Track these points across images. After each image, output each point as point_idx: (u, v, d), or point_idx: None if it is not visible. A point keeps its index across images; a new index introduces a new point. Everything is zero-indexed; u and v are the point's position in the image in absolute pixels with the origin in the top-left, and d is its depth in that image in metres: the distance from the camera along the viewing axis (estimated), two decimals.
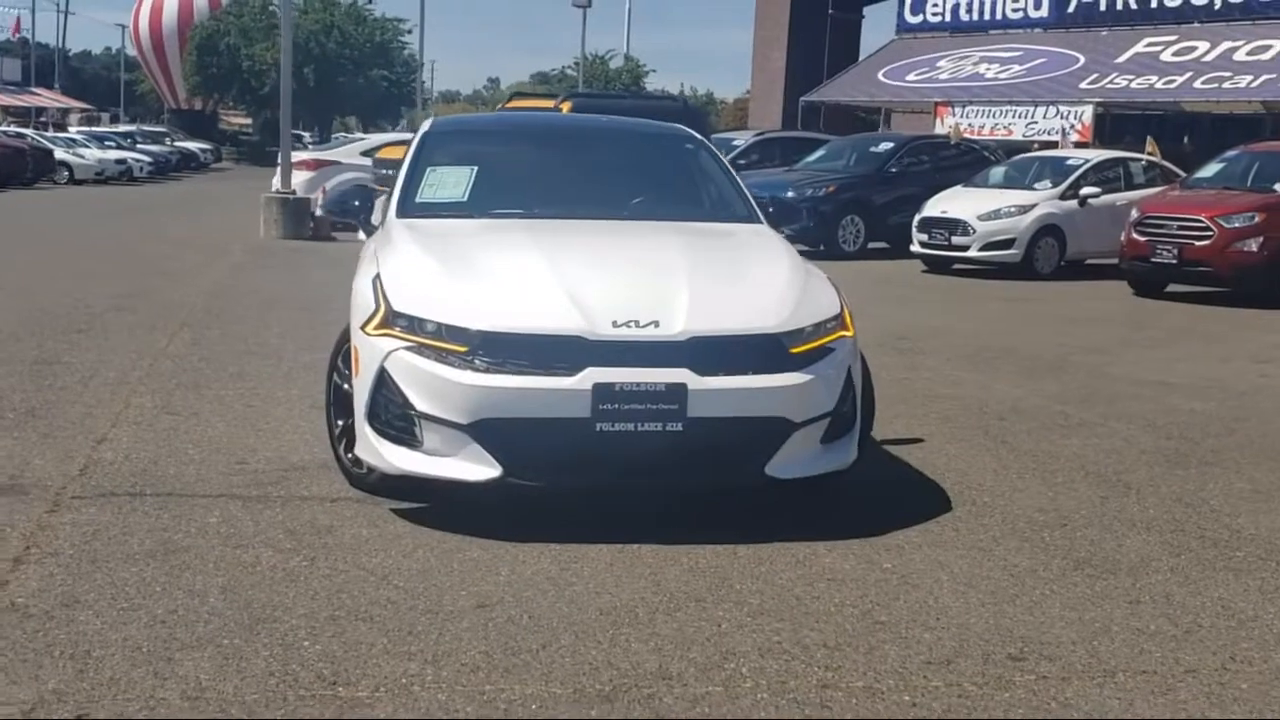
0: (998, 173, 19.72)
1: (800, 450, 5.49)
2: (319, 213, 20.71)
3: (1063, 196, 18.32)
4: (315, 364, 9.15)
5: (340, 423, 6.09)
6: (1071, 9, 25.65)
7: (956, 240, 18.01)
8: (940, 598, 4.78)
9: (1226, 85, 21.78)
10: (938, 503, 6.08)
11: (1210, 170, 17.19)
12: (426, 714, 3.70)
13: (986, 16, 26.98)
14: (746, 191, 7.09)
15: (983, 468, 6.80)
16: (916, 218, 18.55)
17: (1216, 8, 23.62)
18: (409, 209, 6.59)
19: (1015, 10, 26.53)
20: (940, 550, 5.35)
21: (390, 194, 6.81)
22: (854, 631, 4.42)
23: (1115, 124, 23.59)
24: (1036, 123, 23.06)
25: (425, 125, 7.36)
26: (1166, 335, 12.81)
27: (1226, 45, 22.72)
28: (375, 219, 7.04)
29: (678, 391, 5.22)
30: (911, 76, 26.31)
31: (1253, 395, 9.33)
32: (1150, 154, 19.71)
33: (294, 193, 20.52)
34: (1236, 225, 15.49)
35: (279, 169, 20.84)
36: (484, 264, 5.77)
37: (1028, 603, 4.76)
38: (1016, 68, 24.95)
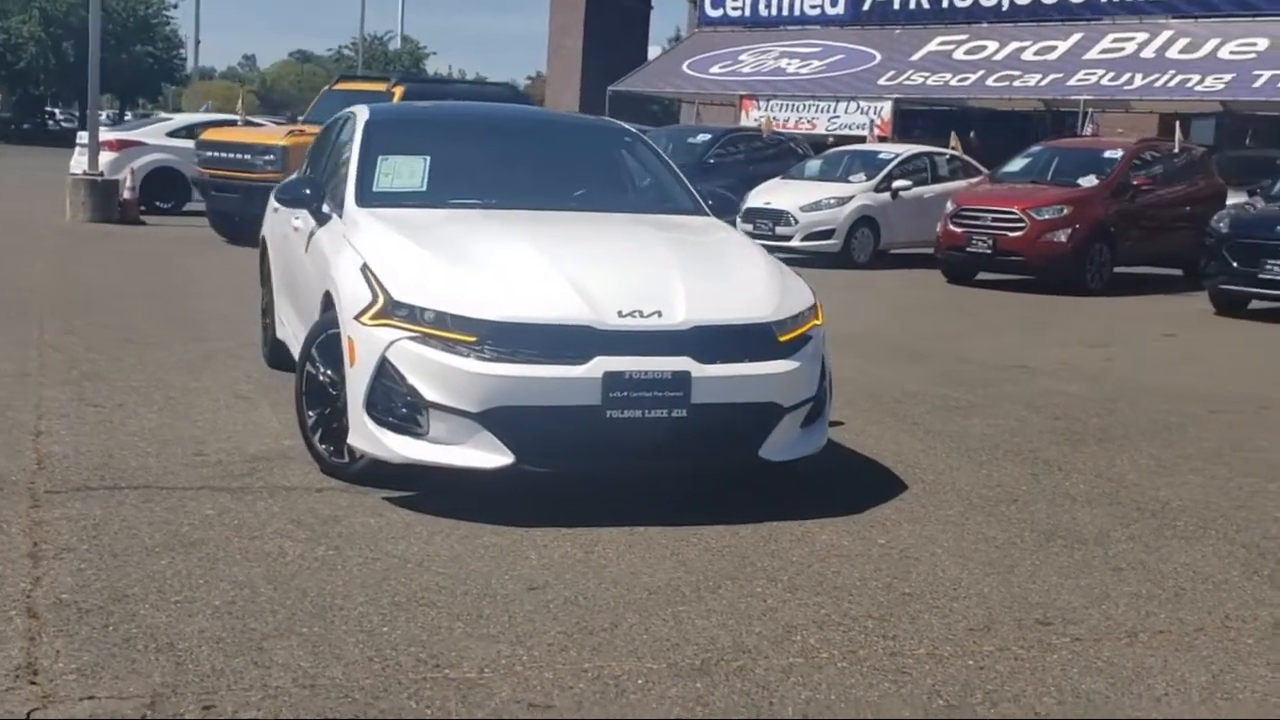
0: (813, 166, 20.42)
1: (788, 433, 5.78)
2: (126, 195, 20.07)
3: (877, 189, 19.10)
4: (211, 354, 9.06)
5: (314, 413, 6.10)
6: (867, 7, 26.64)
7: (780, 230, 18.59)
8: (947, 570, 5.12)
9: (1016, 84, 23.00)
10: (892, 482, 6.43)
11: (1017, 165, 18.20)
12: (544, 692, 3.84)
13: (785, 12, 27.77)
14: (688, 184, 7.33)
15: (911, 449, 7.19)
16: (741, 209, 19.07)
17: (1004, 9, 24.87)
18: (368, 198, 6.60)
19: (813, 7, 27.39)
20: (920, 526, 5.70)
21: (342, 182, 6.79)
22: (888, 603, 4.72)
23: (905, 119, 24.59)
24: (839, 117, 23.92)
25: (362, 113, 7.32)
26: (999, 322, 13.58)
27: (1015, 45, 23.97)
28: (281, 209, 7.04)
29: (683, 379, 5.43)
30: (715, 69, 26.91)
31: (1106, 378, 10.02)
32: (953, 148, 20.70)
33: (102, 174, 19.81)
34: (1047, 217, 16.46)
35: (86, 150, 20.06)
36: (476, 254, 5.86)
37: (1025, 572, 5.14)
38: (817, 63, 25.78)
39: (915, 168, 19.74)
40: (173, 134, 22.38)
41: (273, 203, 8.48)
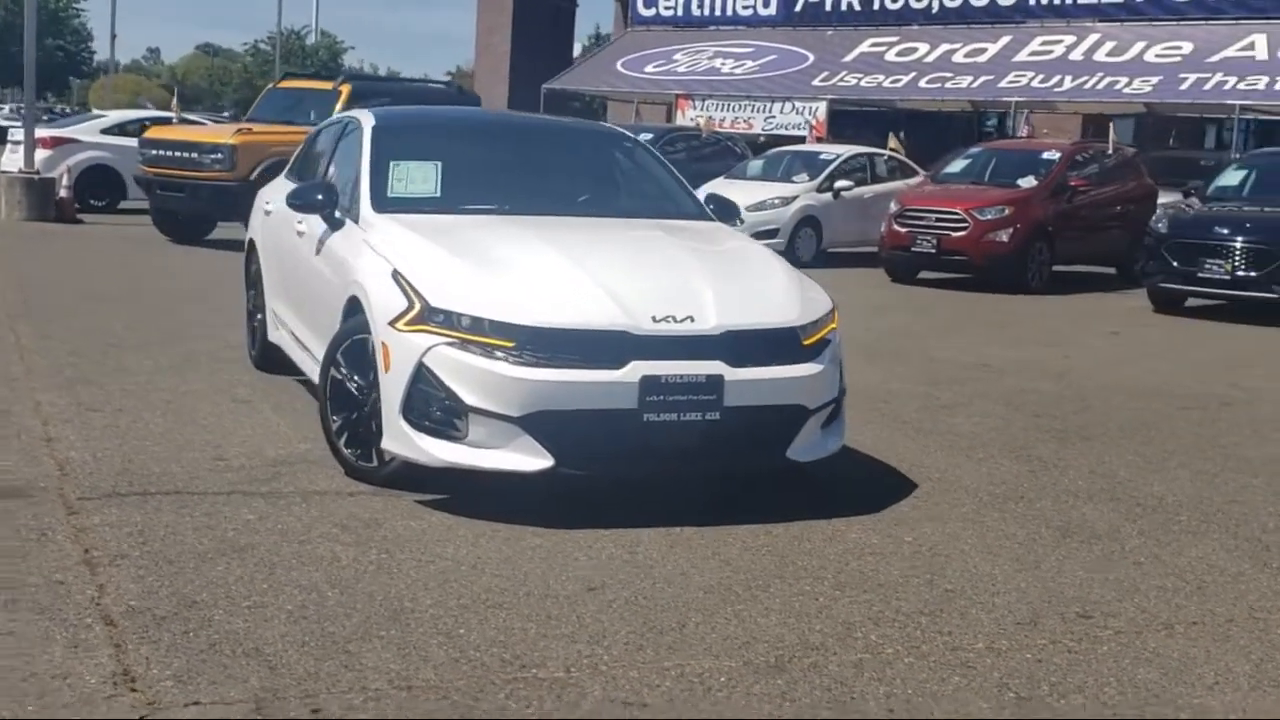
0: (755, 165, 20.64)
1: (811, 435, 5.94)
2: (63, 194, 19.80)
3: (819, 189, 19.37)
4: (193, 356, 9.04)
5: (339, 418, 6.16)
6: (799, 8, 26.92)
7: None
8: (978, 566, 5.31)
9: (949, 85, 23.40)
10: (900, 480, 6.62)
11: (958, 166, 18.55)
12: (634, 691, 3.95)
13: (717, 12, 27.98)
14: (690, 188, 7.47)
15: (909, 448, 7.39)
16: None
17: (934, 11, 25.28)
18: (384, 204, 6.65)
19: (745, 7, 27.61)
20: (941, 524, 5.88)
21: (354, 187, 6.83)
22: (935, 599, 4.89)
23: (836, 120, 24.89)
24: (775, 117, 24.17)
25: (367, 118, 7.36)
26: (954, 321, 13.87)
27: (945, 48, 24.38)
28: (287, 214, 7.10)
29: (716, 382, 5.57)
30: (650, 68, 27.05)
31: (1070, 376, 10.31)
32: (891, 149, 21.04)
33: (38, 173, 19.52)
34: (989, 217, 16.82)
35: (21, 148, 19.74)
36: (505, 259, 5.95)
37: (1051, 568, 5.34)
38: (750, 63, 26.02)
39: (855, 168, 20.04)
40: (107, 131, 22.09)
41: (264, 206, 8.51)
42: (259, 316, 8.60)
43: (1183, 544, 5.77)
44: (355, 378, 6.05)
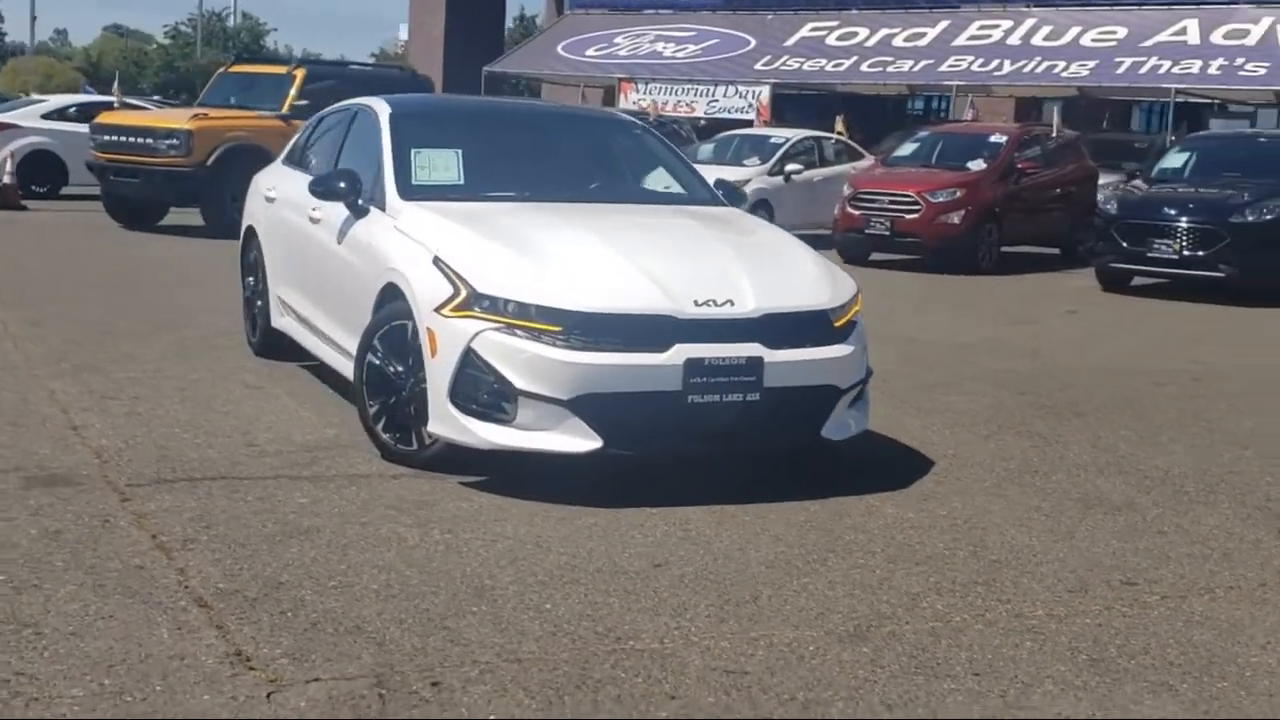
0: (706, 149, 20.81)
1: (842, 414, 6.14)
2: (6, 180, 19.53)
3: (770, 173, 19.60)
4: (186, 342, 9.07)
5: (376, 402, 6.25)
6: None
7: None
8: (1015, 538, 5.53)
9: (890, 70, 23.74)
10: (915, 457, 6.83)
11: (907, 149, 18.87)
12: (732, 659, 4.11)
13: None
14: (700, 174, 7.63)
15: (914, 425, 7.60)
16: None
17: None
18: (410, 191, 6.74)
19: None
20: (968, 498, 6.10)
21: (376, 175, 6.89)
22: (985, 569, 5.09)
23: (777, 103, 25.13)
24: (718, 101, 24.37)
25: (381, 106, 7.42)
26: (918, 301, 14.13)
27: (885, 32, 24.72)
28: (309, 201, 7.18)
29: (756, 364, 5.74)
30: (591, 52, 27.13)
31: (1043, 354, 10.62)
32: (839, 133, 21.31)
33: None
34: (941, 200, 17.14)
35: None
36: (543, 246, 6.06)
37: (1084, 538, 5.57)
38: (692, 47, 26.19)
39: (804, 151, 20.29)
40: (48, 116, 21.79)
41: (266, 192, 8.54)
42: (259, 303, 8.63)
43: (1197, 514, 6.03)
44: (393, 363, 6.15)
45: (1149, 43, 22.07)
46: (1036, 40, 23.05)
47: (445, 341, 5.74)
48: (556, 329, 5.61)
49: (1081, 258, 18.67)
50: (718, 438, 5.84)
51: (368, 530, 5.22)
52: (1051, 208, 18.72)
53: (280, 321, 8.25)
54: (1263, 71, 20.66)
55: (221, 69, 18.73)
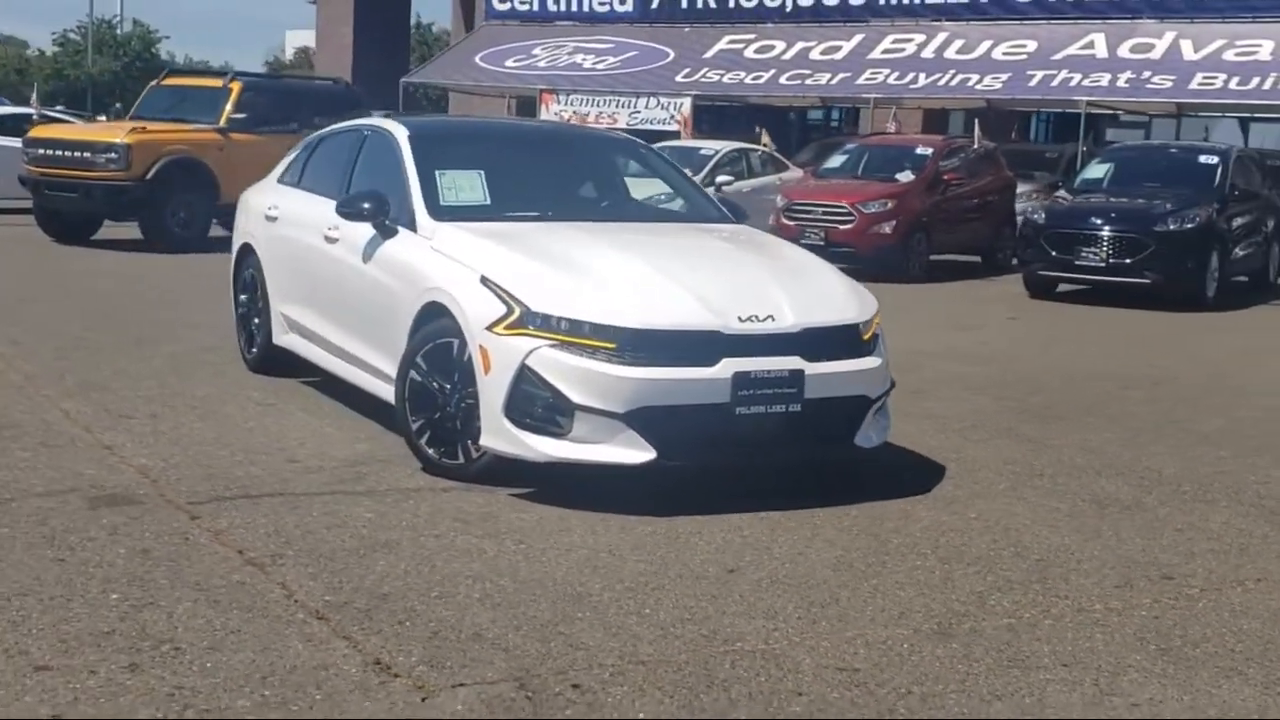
0: None
1: (871, 423, 6.44)
2: None
3: (702, 184, 19.88)
4: (176, 359, 9.15)
5: (419, 418, 6.41)
6: (655, 5, 27.43)
7: None
8: (1048, 538, 5.86)
9: (809, 82, 24.21)
10: (924, 462, 7.15)
11: (836, 161, 19.33)
12: (839, 657, 4.37)
13: (574, 8, 28.31)
14: (707, 192, 7.90)
15: (909, 431, 7.86)
16: None
17: (788, 10, 26.07)
18: (440, 212, 6.91)
19: (601, 4, 28.00)
20: (991, 501, 6.43)
21: (402, 197, 7.05)
22: (1034, 568, 5.41)
23: (694, 115, 25.45)
24: (640, 112, 24.66)
25: (397, 127, 7.56)
26: None
27: (801, 45, 25.19)
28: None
29: (798, 376, 6.02)
30: (510, 63, 27.26)
31: (1002, 360, 11.04)
32: (764, 145, 21.73)
33: None
34: (873, 210, 17.60)
35: None
36: (586, 264, 6.27)
37: (1110, 536, 5.92)
38: (612, 59, 26.45)
39: (732, 161, 20.64)
40: None
41: (266, 210, 8.63)
42: (256, 320, 8.72)
43: (1202, 512, 6.43)
44: (437, 380, 6.32)
45: (1058, 56, 22.82)
46: (949, 54, 23.69)
47: (499, 359, 5.94)
48: (611, 345, 5.83)
49: (1002, 265, 19.33)
50: (763, 447, 6.11)
51: (443, 542, 5.40)
52: (975, 217, 19.29)
53: (284, 339, 8.35)
54: (1169, 84, 21.49)
55: (154, 82, 18.58)
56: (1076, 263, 15.85)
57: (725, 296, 6.10)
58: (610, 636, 4.46)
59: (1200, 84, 21.31)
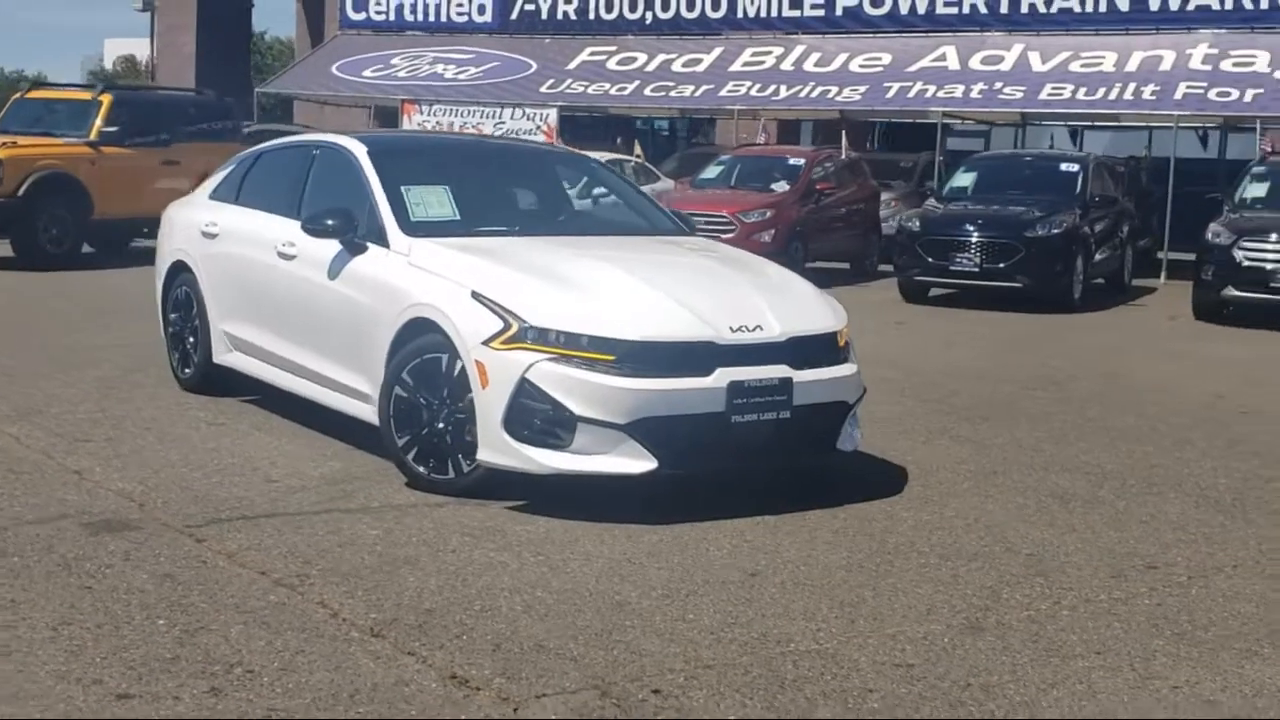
0: None
1: (848, 428, 6.66)
2: None
3: (579, 195, 19.98)
4: (107, 381, 8.98)
5: (406, 434, 6.43)
6: (514, 16, 27.44)
7: None
8: (1029, 533, 6.11)
9: (673, 94, 24.48)
10: (881, 464, 7.37)
11: (712, 172, 19.62)
12: (891, 655, 4.53)
13: (432, 18, 28.15)
14: (659, 204, 8.05)
15: (879, 433, 8.09)
16: None
17: (648, 23, 26.31)
18: (412, 228, 6.91)
19: (460, 14, 27.91)
20: (961, 499, 6.67)
21: (372, 212, 7.03)
22: (1028, 563, 5.65)
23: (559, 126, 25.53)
24: (505, 123, 24.63)
25: (355, 144, 7.52)
26: None
27: (662, 57, 25.44)
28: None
29: (787, 384, 6.21)
30: (369, 72, 26.97)
31: (906, 364, 11.35)
32: (637, 156, 21.95)
33: None
34: (753, 220, 17.92)
35: None
36: (576, 278, 6.35)
37: (1085, 530, 6.19)
38: (473, 69, 26.37)
39: None
40: None
41: (203, 227, 8.50)
42: (191, 340, 8.59)
43: (1155, 504, 6.78)
44: (424, 395, 6.35)
45: (913, 68, 23.47)
46: (808, 66, 24.19)
47: (497, 373, 5.99)
48: (609, 358, 5.94)
49: (869, 271, 19.88)
50: (755, 454, 6.28)
51: (461, 557, 5.44)
52: (845, 225, 19.77)
53: (227, 358, 8.25)
54: (1020, 95, 22.28)
55: (17, 94, 17.99)
56: (951, 268, 16.40)
57: (714, 308, 6.25)
58: (667, 642, 4.57)
59: (1050, 94, 22.12)
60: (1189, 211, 20.46)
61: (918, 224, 16.90)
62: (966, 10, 24.29)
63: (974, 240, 16.31)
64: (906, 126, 27.76)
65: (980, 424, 8.73)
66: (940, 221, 16.83)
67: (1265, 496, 7.01)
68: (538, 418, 5.97)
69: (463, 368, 6.17)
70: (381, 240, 6.90)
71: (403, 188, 7.14)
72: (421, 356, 6.36)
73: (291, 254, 7.44)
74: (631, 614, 4.83)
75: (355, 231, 6.97)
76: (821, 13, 25.11)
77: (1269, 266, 15.14)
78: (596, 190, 8.44)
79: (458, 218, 7.13)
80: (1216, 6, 22.71)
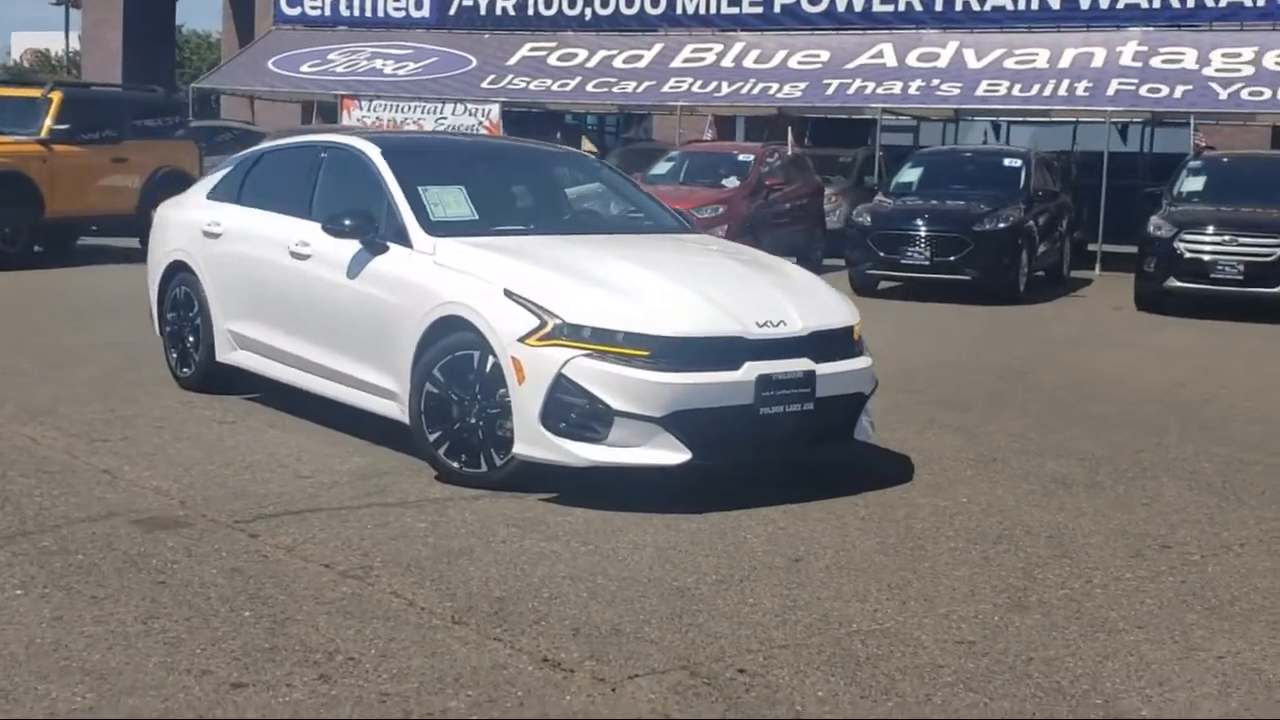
0: None
1: (862, 419, 6.91)
2: None
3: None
4: (102, 381, 9.06)
5: (437, 430, 6.58)
6: (453, 11, 27.42)
7: None
8: (1042, 517, 6.38)
9: (615, 90, 24.65)
10: (884, 453, 7.63)
11: (663, 168, 19.83)
12: (952, 633, 4.76)
13: (368, 13, 28.05)
14: (660, 201, 8.26)
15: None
16: None
17: (587, 19, 26.42)
18: (434, 228, 7.05)
19: (397, 9, 27.85)
20: (969, 486, 6.94)
21: (391, 212, 7.15)
22: (1050, 545, 5.91)
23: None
24: (446, 119, 24.66)
25: (367, 144, 7.63)
26: None
27: (603, 54, 25.59)
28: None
29: (810, 377, 6.44)
30: (306, 68, 26.83)
31: (877, 357, 11.68)
32: (591, 152, 22.10)
33: None
34: (707, 215, 18.11)
35: None
36: (602, 276, 6.53)
37: (1092, 513, 6.48)
38: (412, 65, 26.34)
39: None
40: None
41: (205, 226, 8.56)
42: (191, 339, 8.65)
43: (1152, 487, 7.10)
44: (456, 391, 6.50)
45: (851, 65, 23.83)
46: (748, 63, 24.46)
47: (534, 369, 6.16)
48: (645, 353, 6.13)
49: (815, 265, 20.19)
50: (780, 445, 6.51)
51: (513, 547, 5.61)
52: (792, 220, 20.06)
53: (233, 356, 8.33)
54: (957, 91, 22.73)
55: None
56: (903, 261, 16.77)
57: (740, 303, 6.46)
58: (736, 625, 4.77)
59: (986, 90, 22.59)
60: (1120, 205, 21.09)
61: (869, 219, 17.24)
62: (902, 8, 24.68)
63: (924, 234, 16.69)
64: (835, 122, 28.12)
65: (966, 413, 9.02)
66: (891, 216, 17.19)
67: (1250, 479, 7.35)
68: (574, 412, 6.14)
69: (495, 364, 6.33)
70: (402, 240, 7.03)
71: (420, 188, 7.26)
72: (453, 354, 6.51)
73: (306, 253, 7.54)
74: (694, 599, 5.03)
75: (376, 231, 7.09)
76: (760, 10, 25.39)
77: (1207, 258, 15.65)
78: (586, 188, 8.61)
79: (476, 217, 7.28)
80: (1145, 5, 23.29)
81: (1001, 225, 16.81)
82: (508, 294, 6.36)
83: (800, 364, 6.41)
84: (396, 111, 24.86)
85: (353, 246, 7.19)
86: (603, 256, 6.86)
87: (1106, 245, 21.06)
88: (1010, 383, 10.50)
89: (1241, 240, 15.58)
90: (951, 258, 16.54)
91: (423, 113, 24.78)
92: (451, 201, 7.29)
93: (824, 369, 6.49)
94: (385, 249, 7.07)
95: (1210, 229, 15.81)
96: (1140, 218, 16.75)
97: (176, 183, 17.73)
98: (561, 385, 6.13)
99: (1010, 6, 24.05)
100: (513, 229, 7.32)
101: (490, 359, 6.36)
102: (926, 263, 16.66)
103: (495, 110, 24.43)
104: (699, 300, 6.41)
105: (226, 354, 8.37)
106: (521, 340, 6.21)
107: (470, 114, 24.44)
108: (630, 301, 6.32)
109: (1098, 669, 4.49)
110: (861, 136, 27.90)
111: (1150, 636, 4.82)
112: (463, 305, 6.49)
